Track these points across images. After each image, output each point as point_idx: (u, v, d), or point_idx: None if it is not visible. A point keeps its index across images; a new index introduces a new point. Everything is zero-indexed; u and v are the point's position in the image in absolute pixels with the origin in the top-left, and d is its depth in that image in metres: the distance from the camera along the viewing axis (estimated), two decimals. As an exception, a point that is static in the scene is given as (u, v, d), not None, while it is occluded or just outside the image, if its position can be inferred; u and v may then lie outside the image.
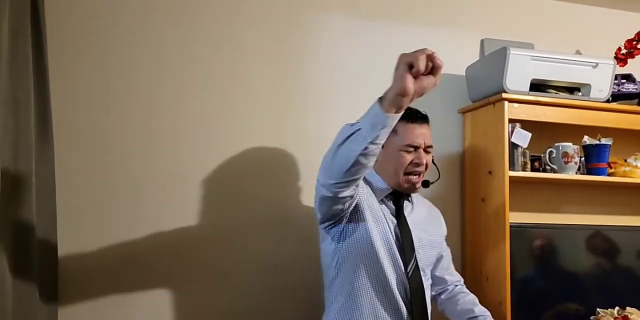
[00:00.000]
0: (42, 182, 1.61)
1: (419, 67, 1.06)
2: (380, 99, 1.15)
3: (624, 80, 2.15)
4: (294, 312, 1.90)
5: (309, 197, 1.94)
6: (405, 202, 1.63)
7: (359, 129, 1.20)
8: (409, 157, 1.54)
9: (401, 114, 1.16)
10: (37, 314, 1.54)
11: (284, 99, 1.98)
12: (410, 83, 1.08)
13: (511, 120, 1.93)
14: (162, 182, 1.83)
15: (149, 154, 1.83)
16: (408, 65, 1.07)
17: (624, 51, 2.22)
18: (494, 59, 1.93)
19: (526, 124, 1.97)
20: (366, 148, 1.19)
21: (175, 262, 1.82)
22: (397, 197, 1.61)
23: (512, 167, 1.93)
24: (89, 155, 1.78)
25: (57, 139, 1.69)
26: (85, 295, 1.73)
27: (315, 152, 1.90)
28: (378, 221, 1.52)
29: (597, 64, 1.97)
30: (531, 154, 2.03)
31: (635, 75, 2.17)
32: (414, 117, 1.55)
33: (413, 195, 1.67)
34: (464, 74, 2.11)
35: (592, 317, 1.89)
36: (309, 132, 1.98)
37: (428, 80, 1.09)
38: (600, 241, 2.16)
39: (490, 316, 1.64)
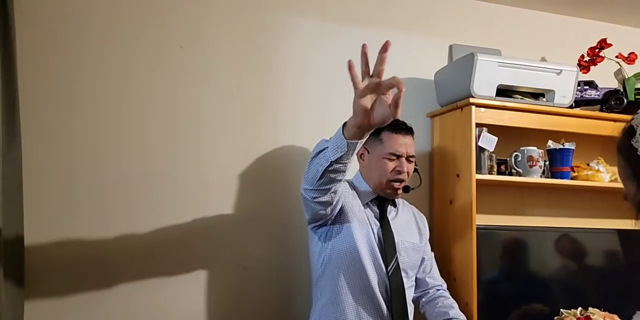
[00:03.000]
0: (9, 182, 1.57)
1: (357, 87, 1.07)
2: (345, 123, 1.19)
3: (587, 87, 2.21)
4: (263, 313, 1.90)
5: (279, 200, 1.95)
6: (390, 207, 1.72)
7: (327, 147, 1.27)
8: (391, 165, 1.64)
9: (363, 141, 1.19)
10: (2, 314, 1.51)
11: (253, 101, 1.98)
12: (363, 120, 1.10)
13: (478, 125, 1.97)
14: (130, 182, 1.81)
15: (118, 154, 1.81)
16: (357, 98, 1.08)
17: (586, 58, 2.28)
18: (462, 64, 1.97)
19: (493, 128, 2.01)
20: (331, 165, 1.26)
21: (143, 264, 1.80)
22: (381, 202, 1.70)
23: (479, 170, 1.97)
24: (57, 154, 1.75)
25: (25, 138, 1.66)
26: (52, 297, 1.70)
27: (285, 155, 1.92)
28: (362, 224, 1.61)
29: (561, 70, 2.03)
30: (497, 158, 2.08)
31: (597, 82, 2.23)
32: (398, 128, 1.66)
33: (399, 201, 1.77)
34: (433, 78, 2.15)
35: (555, 318, 1.93)
36: (279, 136, 1.98)
37: (385, 116, 1.08)
38: (564, 243, 2.21)
39: (465, 319, 1.68)
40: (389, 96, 1.08)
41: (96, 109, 1.80)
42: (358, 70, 1.09)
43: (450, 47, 2.21)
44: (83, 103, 1.79)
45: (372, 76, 1.07)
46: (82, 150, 1.78)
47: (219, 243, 1.88)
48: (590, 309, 1.93)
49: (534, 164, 2.05)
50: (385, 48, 1.03)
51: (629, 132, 0.82)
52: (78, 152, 1.77)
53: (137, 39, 1.87)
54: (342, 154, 1.21)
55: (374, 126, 1.12)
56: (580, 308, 1.93)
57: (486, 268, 1.98)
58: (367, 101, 1.08)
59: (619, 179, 2.30)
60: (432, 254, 1.85)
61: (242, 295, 1.88)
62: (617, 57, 2.29)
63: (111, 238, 1.77)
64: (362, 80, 1.08)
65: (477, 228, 1.92)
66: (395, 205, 1.75)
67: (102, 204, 1.77)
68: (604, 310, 1.92)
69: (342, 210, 1.57)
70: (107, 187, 1.79)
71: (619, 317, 1.91)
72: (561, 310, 1.94)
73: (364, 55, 1.06)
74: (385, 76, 1.07)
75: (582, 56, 2.30)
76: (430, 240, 1.87)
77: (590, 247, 2.25)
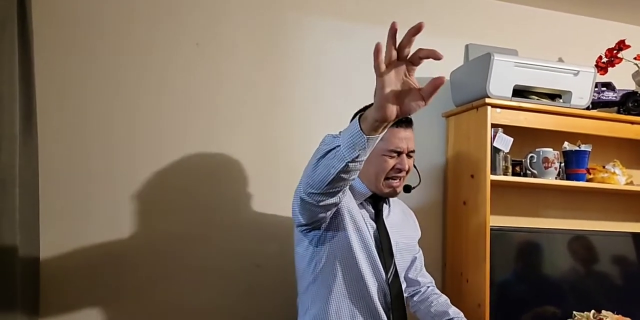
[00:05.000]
0: (25, 177, 1.59)
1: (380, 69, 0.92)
2: (361, 116, 1.04)
3: (604, 88, 2.19)
4: (275, 311, 1.90)
5: (291, 198, 1.95)
6: (384, 206, 1.61)
7: (338, 146, 1.11)
8: (391, 162, 1.50)
9: (382, 134, 1.06)
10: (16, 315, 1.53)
11: (269, 100, 1.98)
12: (391, 112, 0.96)
13: (494, 125, 1.95)
14: (146, 180, 1.82)
15: (133, 151, 1.82)
16: (383, 87, 0.94)
17: (604, 60, 2.26)
18: (478, 64, 1.96)
19: (508, 129, 2.00)
20: (346, 166, 1.11)
21: (158, 262, 1.81)
22: (376, 201, 1.58)
23: (493, 171, 1.95)
24: (72, 153, 1.76)
25: (41, 134, 1.68)
26: (66, 293, 1.72)
27: (300, 153, 1.91)
28: (358, 226, 1.49)
29: (579, 71, 2.00)
30: (512, 159, 2.06)
31: (615, 84, 2.21)
32: (398, 120, 1.49)
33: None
34: (449, 78, 2.14)
35: (568, 320, 1.93)
36: (294, 134, 1.99)
37: (416, 103, 0.94)
38: (578, 245, 2.19)
39: (464, 317, 1.64)
40: (414, 80, 0.94)
41: (111, 106, 1.81)
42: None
43: (467, 46, 2.19)
44: (98, 100, 1.80)
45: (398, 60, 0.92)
46: (98, 147, 1.79)
47: (232, 241, 1.89)
48: (603, 312, 1.93)
49: (550, 165, 2.04)
50: (417, 30, 0.88)
51: None
52: (93, 150, 1.78)
53: (153, 37, 1.87)
54: (360, 151, 1.07)
55: (401, 117, 0.98)
56: (593, 311, 1.93)
57: (499, 270, 1.98)
58: (394, 90, 0.93)
59: (635, 182, 2.30)
60: (420, 250, 1.76)
61: (254, 292, 1.89)
62: (635, 58, 2.27)
63: (127, 236, 1.79)
64: (387, 67, 0.92)
65: (491, 229, 1.90)
66: (388, 203, 1.62)
67: (118, 201, 1.79)
68: (617, 314, 1.91)
69: (337, 210, 1.44)
70: (121, 184, 1.80)
71: (633, 321, 1.90)
72: (574, 312, 1.94)
73: (393, 36, 0.89)
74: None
75: (600, 57, 2.27)
76: (443, 241, 1.86)
77: (604, 250, 2.23)
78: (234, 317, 1.87)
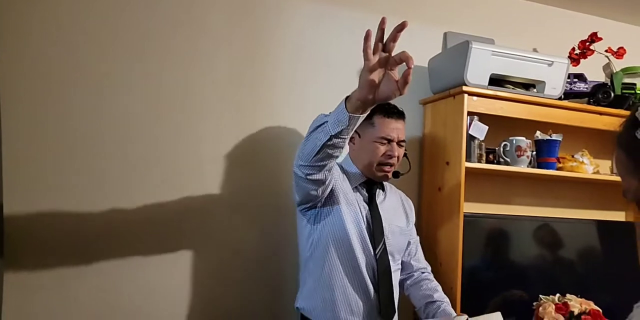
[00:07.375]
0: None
1: (370, 61, 1.10)
2: (348, 97, 1.21)
3: (576, 80, 2.24)
4: (254, 298, 1.90)
5: (273, 184, 1.94)
6: (378, 191, 1.73)
7: (326, 121, 1.27)
8: (382, 149, 1.65)
9: (365, 115, 1.21)
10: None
11: (248, 84, 1.94)
12: (369, 94, 1.14)
13: (470, 113, 1.98)
14: (121, 162, 1.77)
15: (109, 133, 1.76)
16: (367, 71, 1.12)
17: (577, 51, 2.31)
18: (456, 52, 1.97)
19: (483, 117, 2.03)
20: (330, 139, 1.27)
21: (131, 242, 1.77)
22: (370, 185, 1.71)
23: (468, 158, 1.99)
24: (38, 111, 1.68)
25: (4, 115, 1.60)
26: (34, 271, 1.66)
27: (281, 138, 1.91)
28: (351, 207, 1.62)
29: (553, 62, 2.04)
30: (486, 147, 2.10)
31: (586, 75, 2.26)
32: (391, 112, 1.66)
33: (387, 185, 1.78)
34: (427, 65, 2.15)
35: (534, 303, 1.98)
36: (274, 118, 1.96)
37: (392, 92, 1.12)
38: (547, 232, 2.26)
39: (449, 303, 1.72)
40: (396, 73, 1.12)
41: (82, 85, 1.74)
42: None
43: (445, 34, 2.21)
44: (68, 82, 1.73)
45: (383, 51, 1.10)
46: (68, 109, 1.72)
47: (210, 226, 1.86)
48: (567, 295, 1.99)
49: (522, 153, 2.08)
50: (402, 27, 1.06)
51: (634, 124, 0.76)
52: (63, 108, 1.71)
53: (124, 15, 1.79)
54: (342, 128, 1.22)
55: (379, 101, 1.16)
56: (558, 295, 1.99)
57: (471, 255, 2.02)
58: (376, 75, 1.11)
59: (601, 172, 2.36)
60: (418, 237, 1.86)
61: (231, 278, 1.88)
62: (606, 51, 2.32)
63: (100, 214, 1.74)
64: (373, 54, 1.10)
65: (465, 215, 1.94)
66: (383, 189, 1.76)
67: (91, 181, 1.73)
68: (581, 297, 1.97)
69: (332, 192, 1.58)
70: (99, 164, 1.74)
71: (595, 304, 1.97)
72: (540, 296, 1.99)
73: (382, 30, 1.09)
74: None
75: (573, 49, 2.32)
76: (418, 226, 1.89)
77: (570, 237, 2.30)
78: (210, 304, 1.85)
